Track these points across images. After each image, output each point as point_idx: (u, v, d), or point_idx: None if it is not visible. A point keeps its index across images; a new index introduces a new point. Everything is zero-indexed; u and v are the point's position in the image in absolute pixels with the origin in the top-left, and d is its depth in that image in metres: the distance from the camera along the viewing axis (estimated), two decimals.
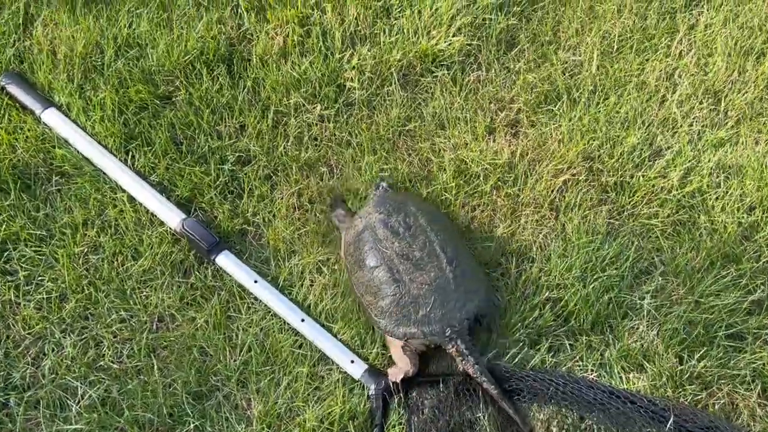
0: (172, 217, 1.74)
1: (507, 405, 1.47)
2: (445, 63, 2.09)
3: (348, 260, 1.64)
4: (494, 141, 1.96)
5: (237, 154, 1.89)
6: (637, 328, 1.64)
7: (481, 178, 1.88)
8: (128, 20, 2.08)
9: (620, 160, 1.90)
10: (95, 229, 1.75)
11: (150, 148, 1.87)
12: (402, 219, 1.60)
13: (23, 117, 1.90)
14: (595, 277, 1.69)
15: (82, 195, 1.79)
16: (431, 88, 2.06)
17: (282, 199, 1.83)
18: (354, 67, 2.04)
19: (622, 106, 2.00)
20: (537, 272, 1.70)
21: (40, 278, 1.66)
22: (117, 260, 1.72)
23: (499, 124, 2.00)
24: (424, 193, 1.84)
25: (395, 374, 1.52)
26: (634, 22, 2.20)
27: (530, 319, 1.63)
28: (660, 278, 1.71)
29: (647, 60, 2.12)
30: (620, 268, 1.70)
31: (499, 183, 1.86)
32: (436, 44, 2.09)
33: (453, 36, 2.12)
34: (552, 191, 1.85)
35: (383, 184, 1.80)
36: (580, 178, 1.86)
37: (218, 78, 1.99)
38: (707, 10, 2.24)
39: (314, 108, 1.97)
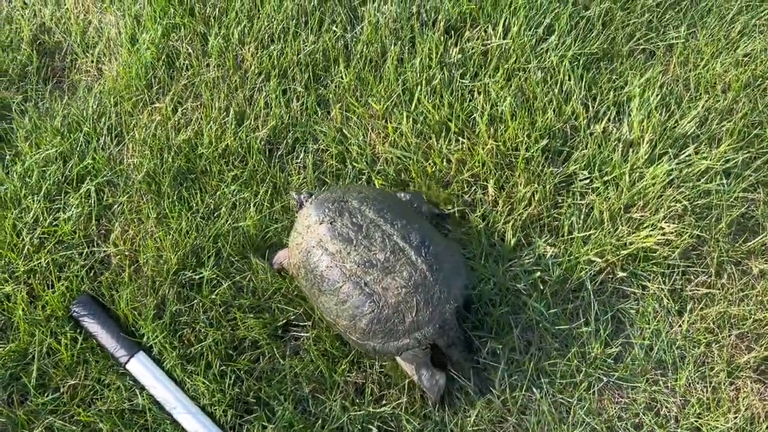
0: None
1: (479, 396, 1.37)
2: (658, 265, 1.51)
3: (304, 285, 1.39)
4: (743, 404, 1.38)
5: (384, 427, 1.38)
6: None
7: None
8: (230, 207, 1.57)
9: None
10: None
11: (271, 423, 1.37)
12: (348, 221, 1.35)
13: (103, 365, 1.43)
14: None
15: None
16: (639, 302, 1.49)
17: None
18: (534, 281, 1.49)
19: None
20: None
21: None
22: None
23: (743, 370, 1.41)
24: None
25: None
26: None
27: None
28: None
29: None
30: None
31: None
32: (645, 239, 1.51)
33: (664, 221, 1.53)
34: None
35: (302, 195, 1.49)
36: None
37: None
38: None
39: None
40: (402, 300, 1.30)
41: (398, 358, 1.37)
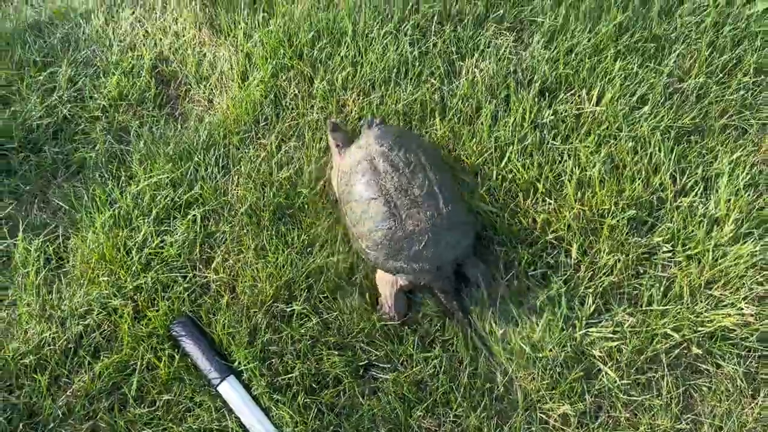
0: None
1: (483, 347, 1.52)
2: (734, 346, 1.53)
3: (342, 189, 1.60)
4: None
5: None
6: None
7: None
8: (323, 246, 1.66)
9: None
10: None
11: None
12: (403, 155, 1.56)
13: (196, 385, 1.54)
14: None
15: None
16: (712, 380, 1.51)
17: None
18: (610, 349, 1.53)
19: None
20: None
21: None
22: None
23: None
24: None
25: (384, 307, 1.56)
26: None
27: None
28: None
29: None
30: None
31: None
32: (723, 318, 1.53)
33: (744, 302, 1.55)
34: None
35: (376, 120, 1.71)
36: None
37: (434, 361, 1.54)
38: None
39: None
40: (418, 231, 1.49)
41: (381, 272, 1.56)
